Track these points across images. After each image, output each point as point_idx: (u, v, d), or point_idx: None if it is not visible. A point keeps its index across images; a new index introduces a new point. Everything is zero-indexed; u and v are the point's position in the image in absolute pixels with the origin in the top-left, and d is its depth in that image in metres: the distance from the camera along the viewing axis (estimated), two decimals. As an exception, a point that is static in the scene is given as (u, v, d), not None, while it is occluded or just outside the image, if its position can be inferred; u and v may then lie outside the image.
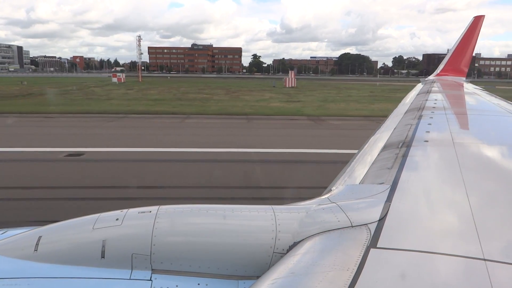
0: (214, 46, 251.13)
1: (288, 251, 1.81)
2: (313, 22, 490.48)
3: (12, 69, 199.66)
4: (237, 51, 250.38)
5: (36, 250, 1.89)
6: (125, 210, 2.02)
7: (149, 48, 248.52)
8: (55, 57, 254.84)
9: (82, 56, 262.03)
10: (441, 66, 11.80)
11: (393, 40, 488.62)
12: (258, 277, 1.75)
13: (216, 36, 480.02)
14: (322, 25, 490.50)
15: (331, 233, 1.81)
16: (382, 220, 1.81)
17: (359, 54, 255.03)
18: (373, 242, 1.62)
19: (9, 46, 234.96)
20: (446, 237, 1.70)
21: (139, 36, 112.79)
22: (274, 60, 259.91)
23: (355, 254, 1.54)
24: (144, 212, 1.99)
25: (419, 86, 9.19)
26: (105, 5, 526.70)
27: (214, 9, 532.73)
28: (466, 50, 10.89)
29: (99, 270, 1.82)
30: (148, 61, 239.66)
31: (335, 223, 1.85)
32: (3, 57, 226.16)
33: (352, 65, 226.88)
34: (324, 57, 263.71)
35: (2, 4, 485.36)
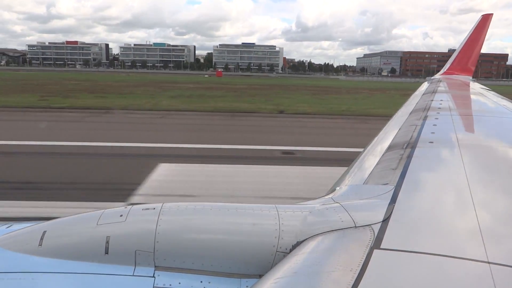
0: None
1: (291, 250, 1.82)
2: (329, 21, 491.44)
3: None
4: (503, 58, 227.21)
5: (41, 245, 1.90)
6: (129, 207, 2.03)
7: (404, 53, 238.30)
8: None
9: (284, 58, 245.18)
10: (447, 65, 11.71)
11: (407, 40, 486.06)
12: (260, 276, 1.75)
13: (231, 33, 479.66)
14: (337, 24, 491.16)
15: (335, 233, 1.81)
16: (386, 221, 1.81)
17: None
18: (377, 243, 1.62)
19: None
20: (450, 239, 1.69)
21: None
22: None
23: (358, 254, 1.53)
24: (148, 209, 1.99)
25: (425, 85, 9.13)
26: (125, 1, 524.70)
27: (231, 7, 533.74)
28: (473, 49, 10.79)
29: (102, 266, 1.83)
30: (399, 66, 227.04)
31: (339, 223, 1.85)
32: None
33: None
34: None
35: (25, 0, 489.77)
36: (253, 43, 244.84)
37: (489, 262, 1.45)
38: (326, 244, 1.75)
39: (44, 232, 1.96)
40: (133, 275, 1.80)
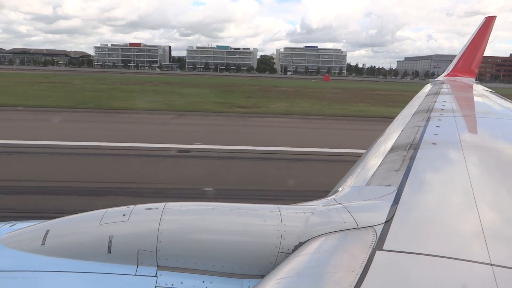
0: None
1: (293, 251, 1.82)
2: (334, 23, 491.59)
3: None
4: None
5: (44, 244, 1.91)
6: (132, 206, 2.03)
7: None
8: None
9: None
10: (451, 67, 11.66)
11: (411, 42, 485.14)
12: (263, 276, 1.76)
13: (235, 35, 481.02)
14: (342, 25, 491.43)
15: (337, 234, 1.80)
16: (388, 222, 1.80)
17: None
18: (379, 244, 1.62)
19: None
20: (452, 241, 1.69)
21: None
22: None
23: (360, 256, 1.53)
24: (150, 208, 2.00)
25: (428, 87, 9.11)
26: (132, 2, 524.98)
27: (236, 8, 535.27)
28: (477, 51, 10.75)
29: (105, 265, 1.83)
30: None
31: (341, 224, 1.85)
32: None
33: None
34: None
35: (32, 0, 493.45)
36: (316, 46, 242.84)
37: (492, 264, 1.45)
38: (328, 245, 1.75)
39: (47, 231, 1.96)
40: (135, 275, 1.81)
